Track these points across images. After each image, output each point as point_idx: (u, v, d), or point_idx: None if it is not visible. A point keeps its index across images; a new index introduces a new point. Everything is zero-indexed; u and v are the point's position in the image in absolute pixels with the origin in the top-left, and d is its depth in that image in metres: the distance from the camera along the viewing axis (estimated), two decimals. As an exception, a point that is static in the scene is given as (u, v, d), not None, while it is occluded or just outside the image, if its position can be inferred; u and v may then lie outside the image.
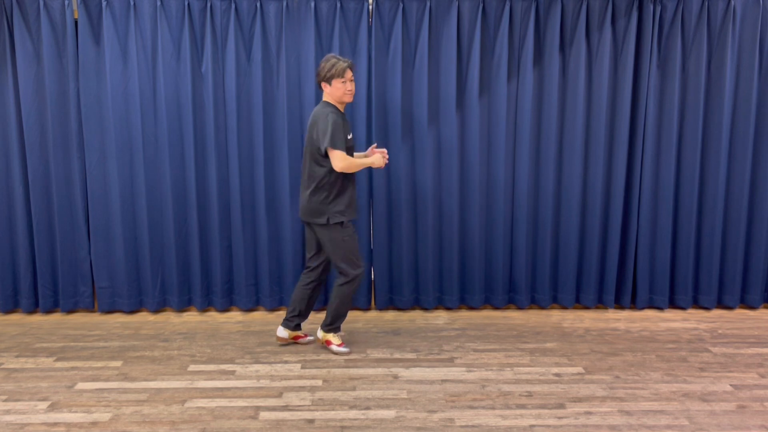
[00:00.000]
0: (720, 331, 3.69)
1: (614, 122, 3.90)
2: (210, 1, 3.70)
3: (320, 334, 3.36)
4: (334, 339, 3.33)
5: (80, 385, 2.96)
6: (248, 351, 3.39)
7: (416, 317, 3.97)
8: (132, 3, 3.68)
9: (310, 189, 3.13)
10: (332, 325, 3.32)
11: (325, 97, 3.18)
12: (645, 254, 4.01)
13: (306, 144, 3.17)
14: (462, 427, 2.58)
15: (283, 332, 3.39)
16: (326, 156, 3.06)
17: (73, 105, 3.77)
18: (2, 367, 3.19)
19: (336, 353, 3.31)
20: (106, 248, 3.93)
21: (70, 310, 4.04)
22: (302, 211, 3.23)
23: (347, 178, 3.17)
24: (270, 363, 3.22)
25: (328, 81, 3.10)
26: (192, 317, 3.97)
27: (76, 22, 3.72)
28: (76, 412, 2.70)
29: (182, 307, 4.04)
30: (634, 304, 4.13)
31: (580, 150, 3.90)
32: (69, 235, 3.92)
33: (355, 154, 3.30)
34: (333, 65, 3.07)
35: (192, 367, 3.17)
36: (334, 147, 3.01)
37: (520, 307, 4.12)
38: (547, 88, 3.86)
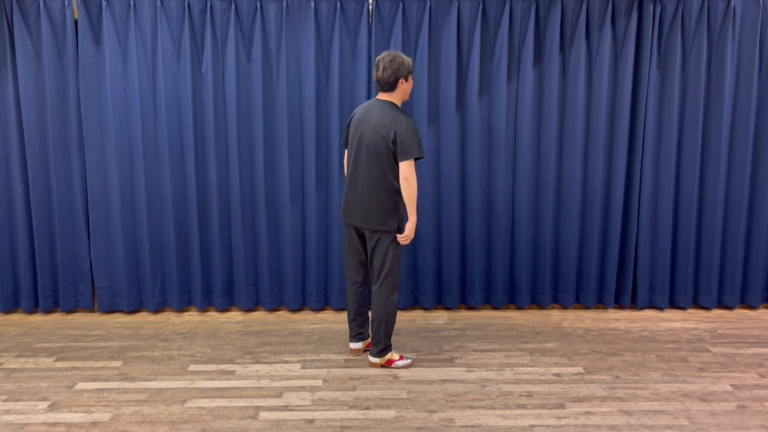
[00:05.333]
0: (720, 331, 3.69)
1: (614, 122, 3.90)
2: (210, 1, 3.70)
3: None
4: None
5: (80, 385, 2.96)
6: (248, 351, 3.39)
7: (416, 317, 3.97)
8: (132, 3, 3.68)
9: (375, 193, 2.93)
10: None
11: (391, 98, 2.94)
12: (645, 254, 4.02)
13: (368, 145, 2.90)
14: (462, 427, 2.58)
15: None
16: (395, 161, 2.90)
17: (73, 105, 3.77)
18: (2, 367, 3.19)
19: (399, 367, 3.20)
20: (106, 248, 3.93)
21: (70, 310, 4.04)
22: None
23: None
24: (270, 363, 3.22)
25: (406, 78, 2.91)
26: (192, 317, 3.97)
27: (76, 22, 3.72)
28: (76, 412, 2.70)
29: (182, 307, 4.04)
30: (634, 304, 4.13)
31: (580, 150, 3.90)
32: (69, 235, 3.92)
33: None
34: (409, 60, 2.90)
35: (192, 367, 3.17)
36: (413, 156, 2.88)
37: (520, 307, 4.12)
38: (547, 88, 3.86)
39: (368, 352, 3.24)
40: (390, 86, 2.91)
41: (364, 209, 2.96)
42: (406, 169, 2.84)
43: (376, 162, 2.90)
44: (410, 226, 2.94)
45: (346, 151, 3.22)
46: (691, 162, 3.92)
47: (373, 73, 2.94)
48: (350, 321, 3.27)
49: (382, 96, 2.98)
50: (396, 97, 2.96)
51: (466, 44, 3.82)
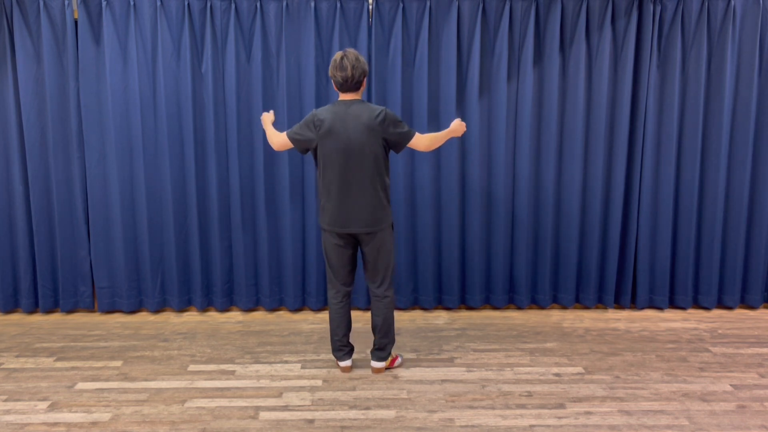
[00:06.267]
0: (720, 331, 3.69)
1: (614, 122, 3.90)
2: (210, 1, 3.70)
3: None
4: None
5: (80, 385, 2.96)
6: (248, 351, 3.39)
7: (416, 317, 3.97)
8: (132, 3, 3.68)
9: (373, 193, 2.86)
10: None
11: (358, 96, 2.88)
12: (645, 254, 4.02)
13: (359, 147, 2.79)
14: (462, 427, 2.57)
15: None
16: (387, 154, 2.90)
17: (73, 105, 3.77)
18: (2, 367, 3.19)
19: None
20: (106, 248, 3.93)
21: (70, 310, 4.04)
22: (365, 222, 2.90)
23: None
24: (270, 363, 3.22)
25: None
26: (192, 317, 3.97)
27: (76, 22, 3.72)
28: (76, 412, 2.70)
29: (182, 307, 4.04)
30: (634, 304, 4.13)
31: (580, 150, 3.90)
32: (69, 235, 3.92)
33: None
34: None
35: (192, 367, 3.17)
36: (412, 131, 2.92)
37: (520, 307, 4.12)
38: (547, 88, 3.86)
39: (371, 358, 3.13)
40: (357, 85, 2.82)
41: (367, 213, 2.86)
42: (421, 142, 2.93)
43: (371, 162, 2.83)
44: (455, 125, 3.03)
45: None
46: (691, 162, 3.92)
47: (336, 73, 2.78)
48: (340, 337, 3.06)
49: (348, 96, 2.85)
50: (360, 95, 2.88)
51: (466, 44, 3.82)
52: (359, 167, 2.82)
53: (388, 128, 2.82)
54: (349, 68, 2.76)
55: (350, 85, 2.81)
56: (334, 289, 3.04)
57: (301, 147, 2.96)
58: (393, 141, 2.87)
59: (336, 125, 2.81)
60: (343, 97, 2.87)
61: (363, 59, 2.83)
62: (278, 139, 3.04)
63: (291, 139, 2.97)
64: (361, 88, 2.88)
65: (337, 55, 2.80)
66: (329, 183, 2.88)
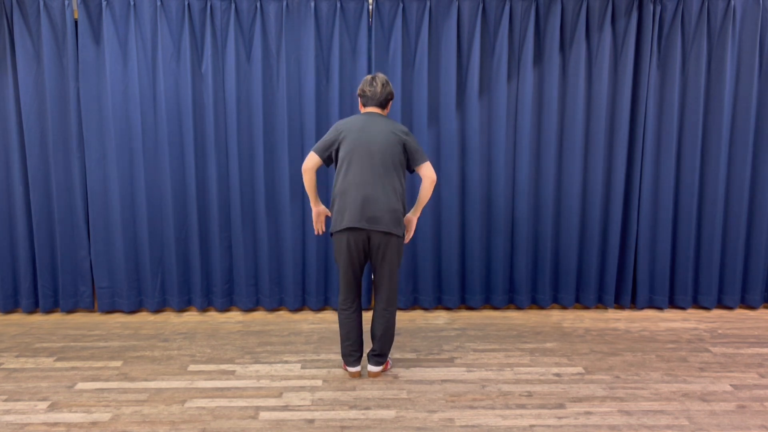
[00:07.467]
0: (720, 331, 3.69)
1: (614, 122, 3.90)
2: (210, 1, 3.70)
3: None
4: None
5: (80, 385, 2.96)
6: (248, 351, 3.39)
7: (416, 317, 3.97)
8: (132, 3, 3.68)
9: (392, 192, 2.89)
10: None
11: (383, 113, 3.00)
12: (645, 254, 4.02)
13: (383, 153, 2.86)
14: (462, 427, 2.58)
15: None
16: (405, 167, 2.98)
17: (73, 105, 3.77)
18: (2, 367, 3.19)
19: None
20: (106, 248, 3.93)
21: (70, 310, 4.04)
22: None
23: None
24: (270, 363, 3.22)
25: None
26: (192, 317, 3.97)
27: (76, 22, 3.72)
28: (76, 412, 2.70)
29: (182, 307, 4.04)
30: (634, 304, 4.13)
31: (580, 150, 3.90)
32: (69, 235, 3.92)
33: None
34: None
35: (192, 367, 3.17)
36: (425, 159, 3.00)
37: (520, 307, 4.12)
38: (547, 88, 3.86)
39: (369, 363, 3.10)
40: (384, 103, 2.97)
41: (385, 210, 2.86)
42: (431, 170, 2.96)
43: (392, 168, 2.87)
44: (414, 224, 3.12)
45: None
46: (690, 162, 3.93)
47: (366, 88, 2.94)
48: (352, 342, 3.02)
49: (374, 110, 2.97)
50: (384, 113, 3.00)
51: (466, 44, 3.82)
52: (380, 164, 2.86)
53: (408, 139, 2.93)
54: (378, 86, 2.94)
55: (376, 100, 2.95)
56: (343, 295, 3.01)
57: (326, 153, 2.94)
58: (409, 152, 2.94)
59: (358, 124, 2.92)
60: (371, 109, 2.99)
61: (391, 85, 3.00)
62: (307, 165, 2.99)
63: (316, 148, 2.95)
64: (386, 109, 3.01)
65: (368, 76, 2.98)
66: (350, 178, 2.86)
